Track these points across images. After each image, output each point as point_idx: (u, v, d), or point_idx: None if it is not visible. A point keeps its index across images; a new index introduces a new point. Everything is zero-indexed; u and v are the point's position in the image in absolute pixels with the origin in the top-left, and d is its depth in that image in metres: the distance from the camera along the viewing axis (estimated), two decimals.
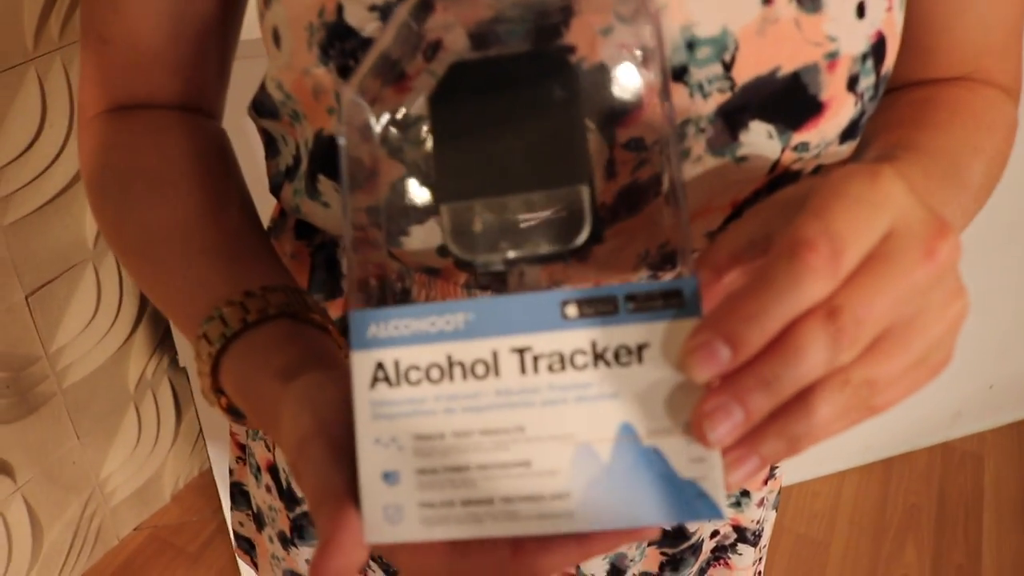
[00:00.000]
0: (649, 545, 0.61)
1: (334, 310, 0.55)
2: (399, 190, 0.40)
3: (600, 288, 0.29)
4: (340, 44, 0.39)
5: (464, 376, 0.30)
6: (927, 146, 0.44)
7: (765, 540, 0.69)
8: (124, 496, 1.68)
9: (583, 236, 0.33)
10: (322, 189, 0.45)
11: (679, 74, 0.38)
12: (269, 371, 0.38)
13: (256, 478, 0.65)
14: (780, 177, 0.43)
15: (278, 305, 0.42)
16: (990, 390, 1.82)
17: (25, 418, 1.43)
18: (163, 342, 1.66)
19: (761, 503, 0.65)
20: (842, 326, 0.27)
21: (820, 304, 0.27)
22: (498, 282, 0.48)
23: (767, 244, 0.30)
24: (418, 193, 0.40)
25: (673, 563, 0.62)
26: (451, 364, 0.30)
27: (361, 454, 0.30)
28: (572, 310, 0.29)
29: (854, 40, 0.40)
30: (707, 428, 0.27)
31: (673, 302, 0.28)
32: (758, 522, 0.66)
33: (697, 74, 0.38)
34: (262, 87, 0.48)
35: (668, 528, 0.60)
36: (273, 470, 0.62)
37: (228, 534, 1.63)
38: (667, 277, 0.47)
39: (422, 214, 0.42)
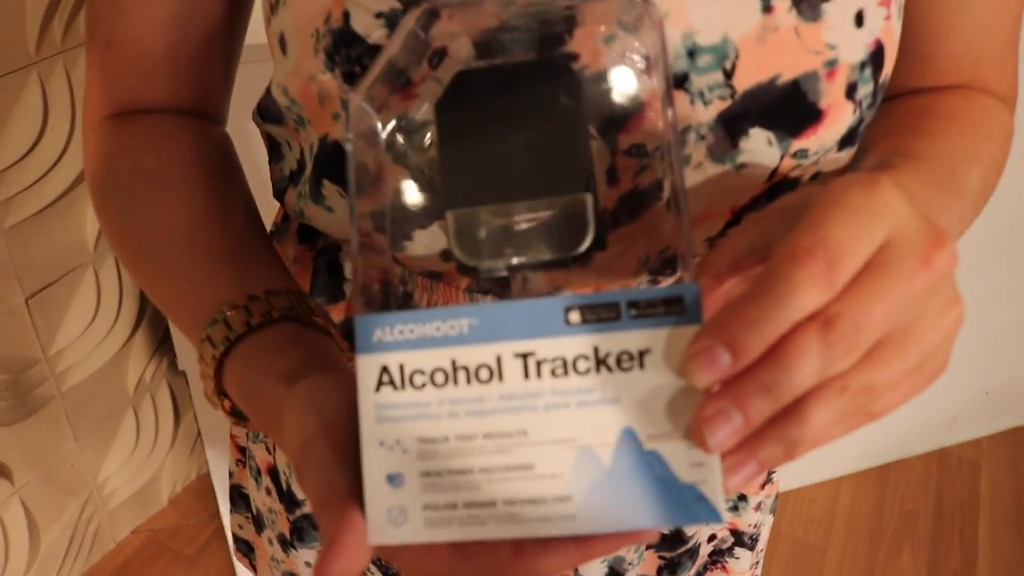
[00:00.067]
0: (647, 548, 0.61)
1: (336, 314, 0.55)
2: (404, 196, 0.40)
3: (603, 294, 0.29)
4: (346, 51, 0.40)
5: (468, 380, 0.30)
6: (924, 154, 0.44)
7: (762, 544, 0.69)
8: (122, 499, 1.68)
9: (586, 243, 0.33)
10: (326, 194, 0.46)
11: (680, 81, 0.39)
12: (273, 374, 0.38)
13: (256, 481, 0.65)
14: (779, 184, 0.43)
15: (281, 308, 0.42)
16: (986, 396, 1.83)
17: (24, 420, 1.42)
18: (162, 345, 1.66)
19: (758, 507, 0.65)
20: (840, 333, 0.27)
21: (819, 311, 0.27)
22: (500, 287, 0.48)
23: (766, 251, 0.30)
24: (423, 199, 0.41)
25: (671, 567, 0.62)
26: (455, 368, 0.30)
27: (366, 456, 0.30)
28: (575, 316, 0.30)
29: (853, 48, 0.40)
30: (707, 433, 0.28)
31: (675, 309, 0.29)
32: (755, 526, 0.66)
33: (698, 81, 0.39)
34: (267, 92, 0.48)
35: (666, 532, 0.61)
36: (273, 473, 0.62)
37: (225, 538, 1.63)
38: (667, 282, 0.48)
39: (426, 219, 0.42)
